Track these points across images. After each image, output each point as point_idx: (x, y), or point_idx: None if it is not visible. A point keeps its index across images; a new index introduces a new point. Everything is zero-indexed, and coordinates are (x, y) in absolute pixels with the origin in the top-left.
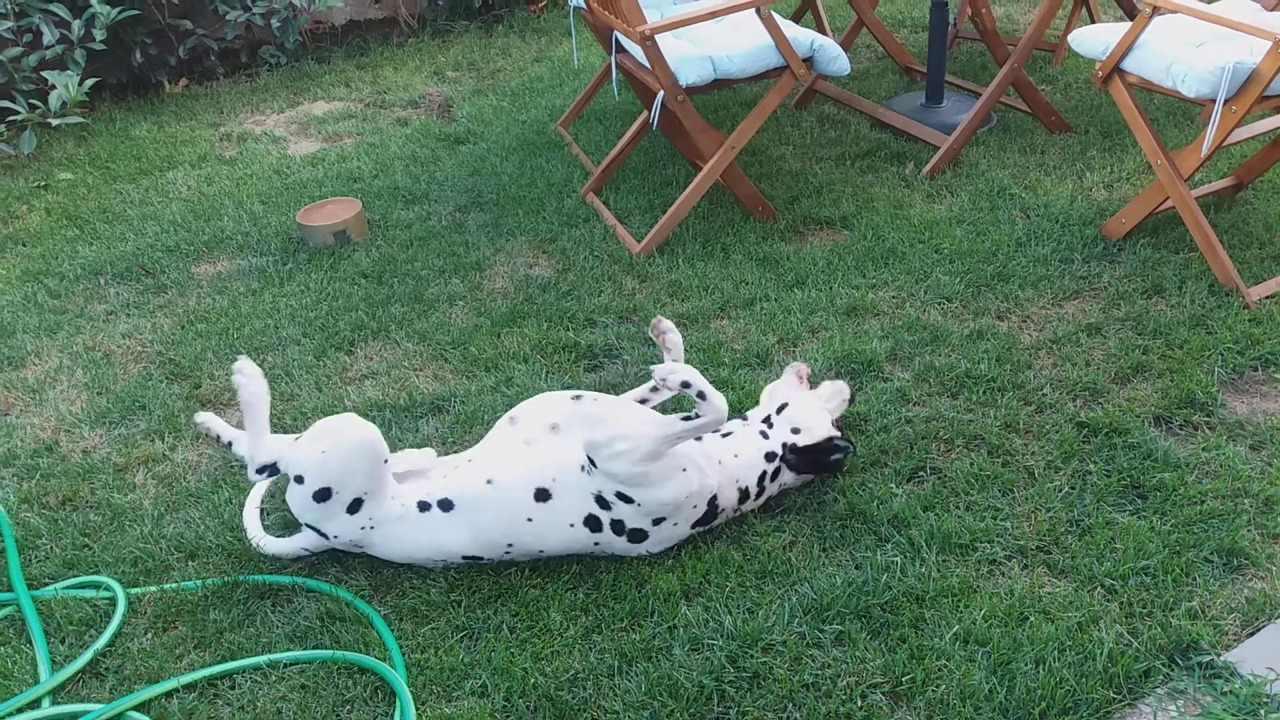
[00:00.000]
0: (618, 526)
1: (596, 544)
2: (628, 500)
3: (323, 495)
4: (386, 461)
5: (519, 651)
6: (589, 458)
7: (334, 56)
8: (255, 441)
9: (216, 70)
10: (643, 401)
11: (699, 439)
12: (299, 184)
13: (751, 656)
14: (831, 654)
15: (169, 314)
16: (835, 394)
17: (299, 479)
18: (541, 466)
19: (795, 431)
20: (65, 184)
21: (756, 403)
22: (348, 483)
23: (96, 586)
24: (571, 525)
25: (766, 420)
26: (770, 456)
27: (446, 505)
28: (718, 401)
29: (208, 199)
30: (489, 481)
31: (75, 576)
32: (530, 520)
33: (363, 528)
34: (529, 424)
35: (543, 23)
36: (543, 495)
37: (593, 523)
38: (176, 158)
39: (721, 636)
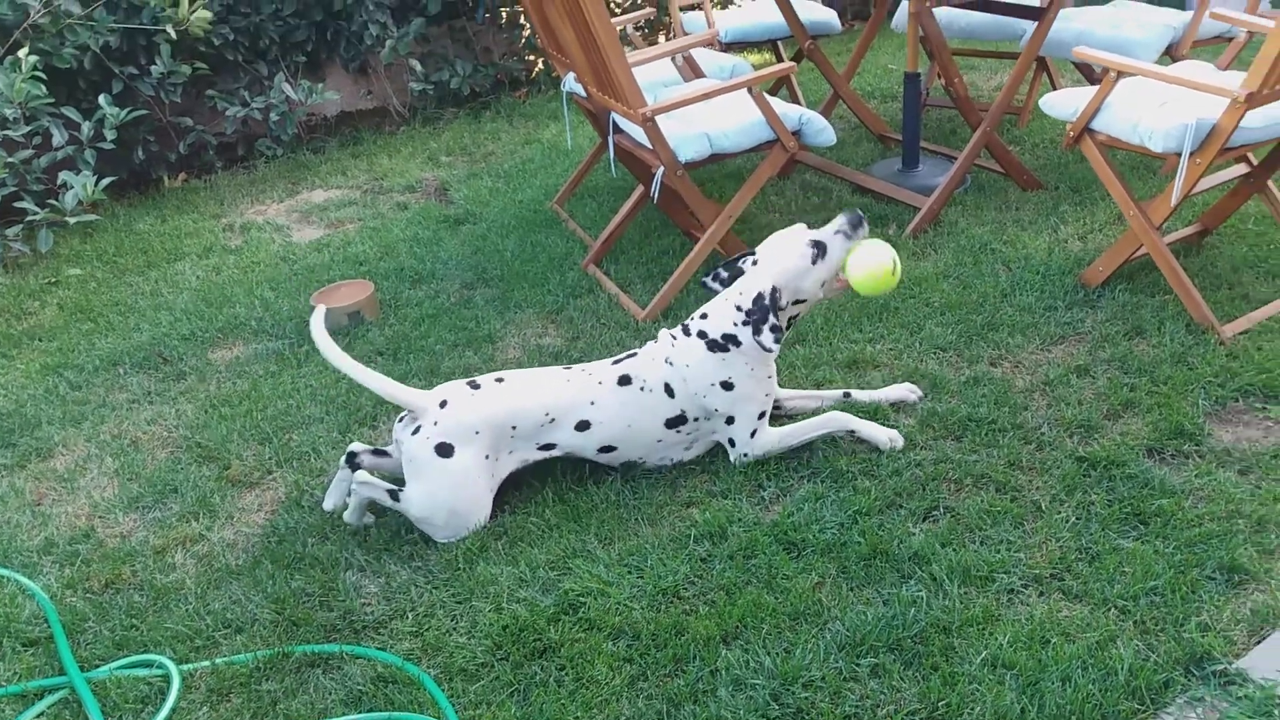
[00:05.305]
0: None
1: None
2: None
3: None
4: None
5: (569, 702)
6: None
7: (328, 146)
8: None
9: (214, 164)
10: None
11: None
12: (306, 269)
13: (793, 693)
14: (869, 685)
15: (191, 399)
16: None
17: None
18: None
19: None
20: (75, 279)
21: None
22: None
23: (149, 665)
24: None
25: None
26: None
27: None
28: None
29: (217, 287)
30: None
31: (126, 656)
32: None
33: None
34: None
35: (528, 108)
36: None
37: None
38: (182, 249)
39: (762, 676)
